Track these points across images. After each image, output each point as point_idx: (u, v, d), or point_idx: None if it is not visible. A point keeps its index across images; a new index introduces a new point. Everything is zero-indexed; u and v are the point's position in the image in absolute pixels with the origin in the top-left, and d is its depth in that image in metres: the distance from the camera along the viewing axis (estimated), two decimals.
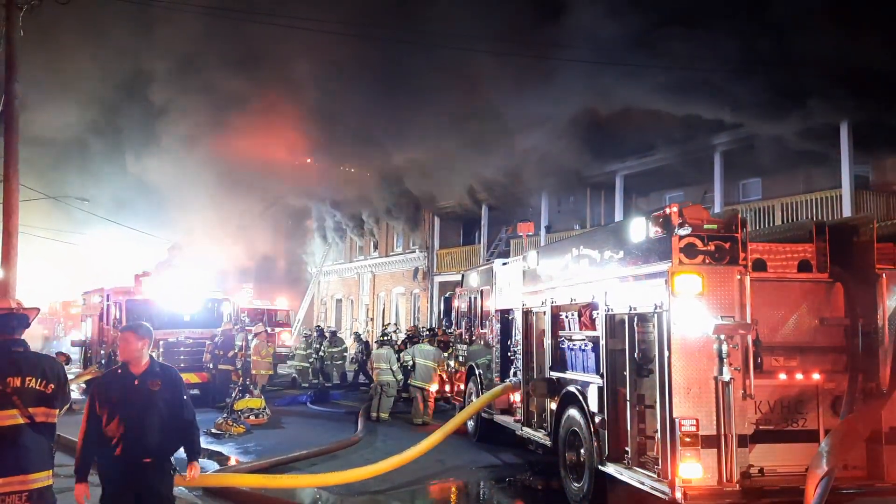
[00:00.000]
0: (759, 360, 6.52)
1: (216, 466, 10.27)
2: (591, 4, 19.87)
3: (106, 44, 27.34)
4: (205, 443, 11.97)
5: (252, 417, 13.89)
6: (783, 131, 17.62)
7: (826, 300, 6.87)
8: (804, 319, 6.84)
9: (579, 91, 20.06)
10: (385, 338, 17.18)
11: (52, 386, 4.40)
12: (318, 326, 27.20)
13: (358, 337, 24.86)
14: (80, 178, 31.99)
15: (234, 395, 14.23)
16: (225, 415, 13.59)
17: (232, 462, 10.65)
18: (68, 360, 17.02)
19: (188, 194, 28.68)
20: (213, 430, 12.93)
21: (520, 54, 20.23)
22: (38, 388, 4.34)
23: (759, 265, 6.86)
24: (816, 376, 6.74)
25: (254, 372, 15.76)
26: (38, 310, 4.74)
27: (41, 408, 4.33)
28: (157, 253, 28.64)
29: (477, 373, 12.75)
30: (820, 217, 17.40)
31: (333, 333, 23.43)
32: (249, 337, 15.75)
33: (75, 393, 17.23)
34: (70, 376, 16.35)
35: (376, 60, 24.18)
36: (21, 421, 4.24)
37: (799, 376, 6.73)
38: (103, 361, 17.85)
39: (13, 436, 4.20)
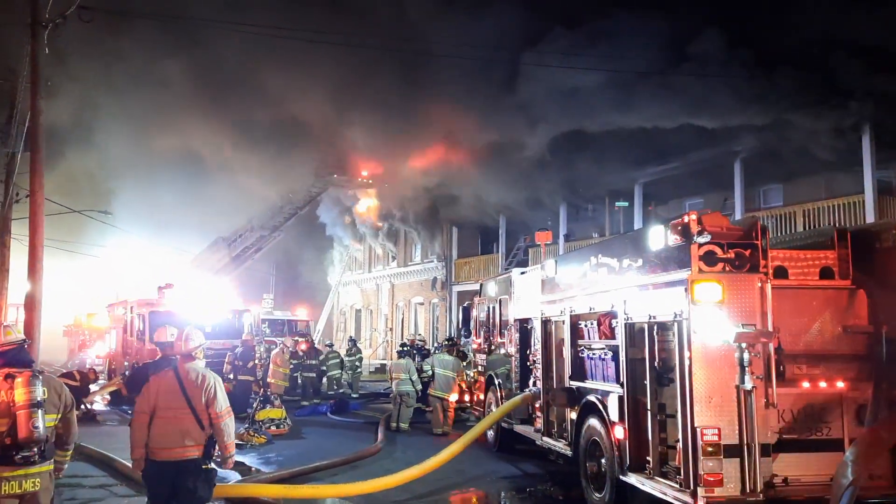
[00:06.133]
0: (781, 368, 6.47)
1: (238, 477, 10.31)
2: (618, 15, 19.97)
3: (124, 58, 27.82)
4: None
5: (273, 428, 13.96)
6: (805, 136, 17.48)
7: (849, 307, 6.81)
8: (827, 327, 6.78)
9: (601, 105, 20.07)
10: (405, 348, 17.17)
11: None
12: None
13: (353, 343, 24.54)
14: (101, 189, 32.47)
15: (255, 405, 14.30)
16: (246, 425, 13.67)
17: (254, 472, 10.69)
18: (97, 376, 17.22)
19: (208, 206, 29.04)
20: (235, 441, 13.00)
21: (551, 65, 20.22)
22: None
23: (781, 272, 6.80)
24: (840, 384, 6.67)
25: (270, 380, 15.84)
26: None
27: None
28: (180, 264, 28.99)
29: (496, 382, 12.72)
30: (843, 223, 17.20)
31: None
32: (271, 347, 15.85)
33: (99, 404, 17.43)
34: (94, 388, 16.55)
35: (392, 73, 24.35)
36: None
37: (822, 385, 6.67)
38: (127, 373, 18.03)
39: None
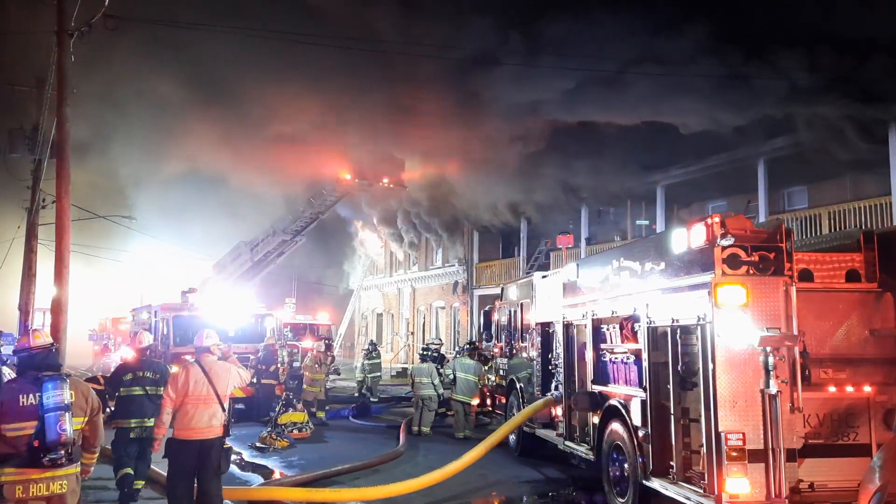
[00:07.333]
0: (806, 372, 6.39)
1: (261, 480, 10.39)
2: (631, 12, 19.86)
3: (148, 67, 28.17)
4: (249, 456, 12.17)
5: (295, 431, 14.04)
6: (829, 136, 17.25)
7: (876, 310, 6.72)
8: (853, 330, 6.69)
9: (625, 102, 19.93)
10: (426, 352, 17.16)
11: (158, 375, 8.74)
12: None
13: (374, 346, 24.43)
14: (124, 194, 32.89)
15: (277, 409, 14.38)
16: (269, 429, 13.75)
17: (276, 476, 10.76)
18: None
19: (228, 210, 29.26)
20: (258, 444, 13.10)
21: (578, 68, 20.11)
22: (151, 377, 8.73)
23: (806, 275, 6.73)
24: (867, 389, 6.59)
25: (305, 387, 15.94)
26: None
27: (155, 387, 8.56)
28: (203, 269, 29.25)
29: (518, 387, 12.70)
30: (869, 225, 16.95)
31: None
32: (294, 351, 15.91)
33: None
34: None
35: (406, 76, 24.39)
36: (142, 393, 8.65)
37: (849, 389, 6.59)
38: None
39: (140, 399, 8.59)
